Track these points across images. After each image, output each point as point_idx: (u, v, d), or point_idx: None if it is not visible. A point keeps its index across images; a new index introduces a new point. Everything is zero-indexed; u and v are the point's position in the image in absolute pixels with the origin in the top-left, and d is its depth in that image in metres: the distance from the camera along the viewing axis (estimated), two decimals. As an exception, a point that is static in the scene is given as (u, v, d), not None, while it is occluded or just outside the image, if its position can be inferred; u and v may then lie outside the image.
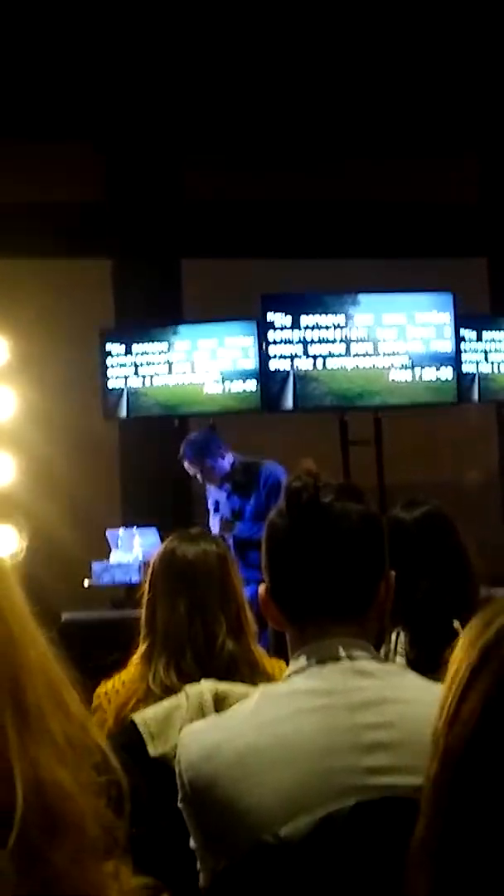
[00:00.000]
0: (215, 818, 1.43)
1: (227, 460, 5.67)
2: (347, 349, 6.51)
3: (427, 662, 2.15)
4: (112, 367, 6.66)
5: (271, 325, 6.44)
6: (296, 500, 1.55)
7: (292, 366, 6.44)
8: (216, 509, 5.73)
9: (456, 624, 2.31)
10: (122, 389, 6.65)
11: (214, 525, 5.66)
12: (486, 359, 6.82)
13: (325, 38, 6.88)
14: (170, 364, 6.63)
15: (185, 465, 5.71)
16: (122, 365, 6.66)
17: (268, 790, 1.40)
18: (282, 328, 6.45)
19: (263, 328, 6.44)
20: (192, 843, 1.48)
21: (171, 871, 1.13)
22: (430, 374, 6.59)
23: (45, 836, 0.74)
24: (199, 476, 5.74)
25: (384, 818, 1.36)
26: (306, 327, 6.47)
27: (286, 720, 1.46)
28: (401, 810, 1.37)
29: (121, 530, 6.17)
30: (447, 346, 6.62)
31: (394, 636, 2.27)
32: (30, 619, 0.82)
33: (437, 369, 6.60)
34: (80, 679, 0.87)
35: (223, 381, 6.55)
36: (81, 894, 0.75)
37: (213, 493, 5.81)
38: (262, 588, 1.59)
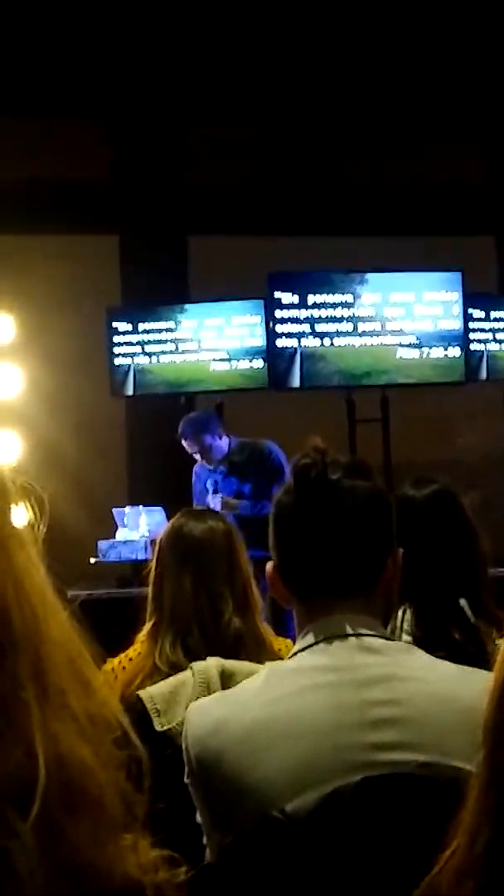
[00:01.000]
0: (222, 793, 1.43)
1: (224, 442, 5.66)
2: (355, 328, 6.49)
3: (433, 640, 2.15)
4: (119, 344, 6.66)
5: (278, 304, 6.43)
6: (304, 477, 1.54)
7: (299, 344, 6.43)
8: (215, 490, 5.68)
9: (462, 602, 2.31)
10: (129, 367, 6.64)
11: (215, 504, 5.62)
12: (494, 337, 6.80)
13: (331, 18, 6.83)
14: (176, 342, 6.62)
15: (184, 442, 5.70)
16: (128, 343, 6.66)
17: (274, 766, 1.40)
18: (289, 306, 6.44)
19: (270, 306, 6.43)
20: (198, 819, 1.48)
21: (178, 847, 1.14)
22: (437, 352, 6.58)
23: (66, 810, 0.74)
24: (196, 455, 5.72)
25: (391, 794, 1.36)
26: (313, 305, 6.46)
27: (293, 696, 1.46)
28: (407, 786, 1.37)
29: (127, 508, 6.18)
30: (455, 325, 6.61)
31: (400, 614, 2.26)
32: (51, 592, 0.82)
33: (445, 348, 6.59)
34: (100, 653, 0.87)
35: (230, 360, 6.54)
36: (100, 867, 0.75)
37: (205, 476, 5.76)
38: (269, 565, 1.59)
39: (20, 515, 0.88)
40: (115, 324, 6.67)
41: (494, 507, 6.83)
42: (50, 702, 0.76)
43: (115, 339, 6.66)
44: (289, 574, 1.56)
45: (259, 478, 5.52)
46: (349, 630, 1.51)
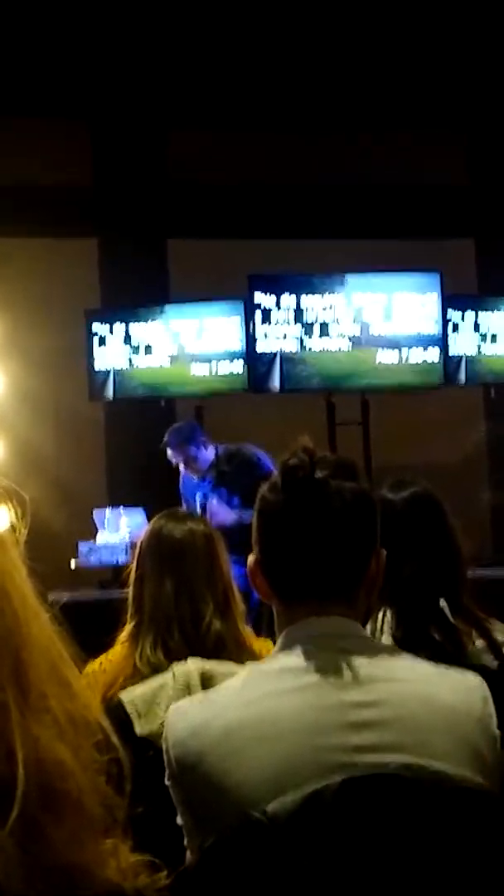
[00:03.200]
0: (202, 795, 1.43)
1: (209, 451, 5.61)
2: (335, 330, 6.50)
3: (413, 641, 2.16)
4: (98, 347, 6.64)
5: (258, 306, 6.43)
6: (291, 477, 1.54)
7: (279, 347, 6.43)
8: (203, 504, 5.61)
9: (442, 603, 2.31)
10: (108, 370, 6.63)
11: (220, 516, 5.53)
12: (473, 340, 6.82)
13: (313, 21, 6.84)
14: (156, 345, 6.61)
15: (169, 453, 5.66)
16: (108, 346, 6.64)
17: (255, 767, 1.40)
18: (268, 309, 6.44)
19: (250, 309, 6.43)
20: (179, 821, 1.48)
21: (159, 850, 1.14)
22: (416, 355, 6.60)
23: (46, 813, 0.74)
24: (181, 466, 5.67)
25: (372, 795, 1.36)
26: (293, 308, 6.46)
27: (274, 697, 1.46)
28: (388, 787, 1.38)
29: (107, 511, 6.17)
30: (434, 328, 6.63)
31: (380, 615, 2.27)
32: (33, 595, 0.81)
33: (424, 351, 6.61)
34: (81, 656, 0.86)
35: (209, 363, 6.54)
36: (80, 870, 0.75)
37: (192, 487, 5.72)
38: (251, 559, 1.59)
39: (1, 518, 0.87)
40: (94, 327, 6.66)
41: (474, 508, 6.87)
42: (30, 704, 0.76)
43: (95, 342, 6.64)
44: (271, 572, 1.56)
45: (249, 487, 5.45)
46: (331, 631, 1.51)
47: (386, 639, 2.23)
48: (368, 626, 2.22)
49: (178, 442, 5.59)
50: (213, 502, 5.54)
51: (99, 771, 0.80)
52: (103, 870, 0.76)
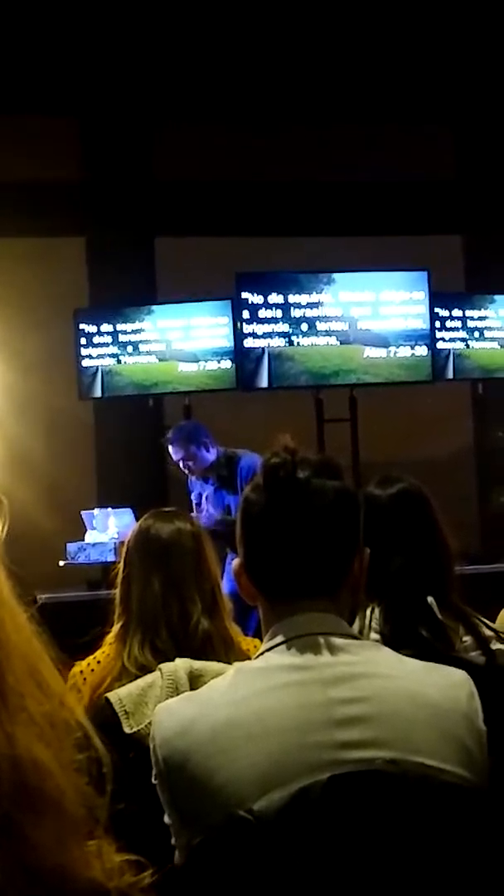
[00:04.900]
0: (190, 794, 1.43)
1: (212, 453, 5.57)
2: (322, 327, 6.51)
3: (401, 638, 2.16)
4: (86, 346, 6.64)
5: (246, 304, 6.44)
6: (273, 476, 1.54)
7: (267, 344, 6.44)
8: (199, 503, 5.61)
9: (430, 600, 2.32)
10: (97, 369, 6.63)
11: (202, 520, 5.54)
12: (461, 336, 6.85)
13: (299, 16, 6.84)
14: (144, 343, 6.61)
15: (170, 448, 5.61)
16: (96, 344, 6.64)
17: (242, 765, 1.40)
18: (256, 307, 6.45)
19: (238, 307, 6.44)
20: (166, 820, 1.48)
21: (146, 849, 1.14)
22: (404, 351, 6.61)
23: (25, 813, 0.74)
24: (181, 463, 5.63)
25: (359, 791, 1.37)
26: (281, 306, 6.47)
27: (260, 696, 1.46)
28: (375, 783, 1.38)
29: (96, 511, 6.16)
30: (422, 324, 6.64)
31: (368, 612, 2.27)
32: (10, 596, 0.81)
33: (412, 347, 6.62)
34: (61, 657, 0.86)
35: (198, 360, 6.54)
36: (64, 871, 0.75)
37: (198, 487, 5.70)
38: (235, 561, 1.59)
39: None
40: (82, 326, 6.65)
41: (462, 504, 6.88)
42: (7, 704, 0.76)
43: (83, 340, 6.64)
44: (256, 572, 1.57)
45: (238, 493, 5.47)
46: (316, 629, 1.51)
47: (374, 635, 2.23)
48: (356, 623, 2.23)
49: (179, 438, 5.57)
50: (205, 501, 5.54)
51: (81, 772, 0.79)
52: (88, 871, 0.76)
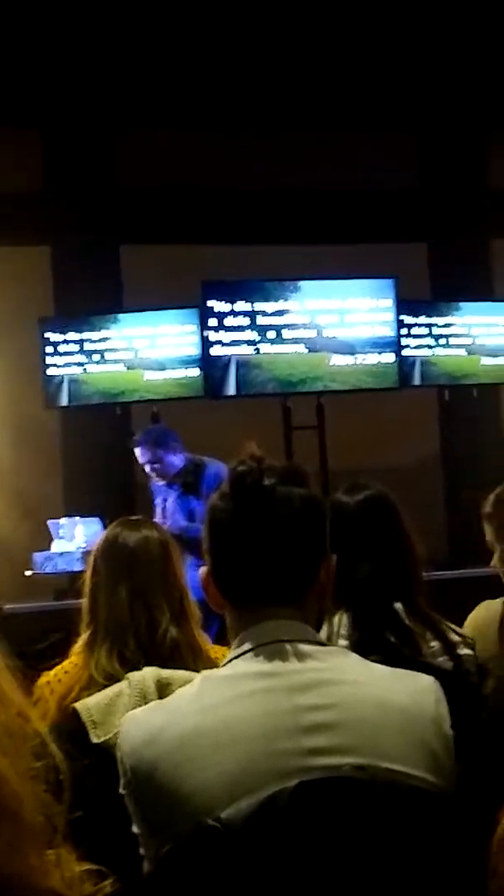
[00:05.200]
0: (158, 803, 1.42)
1: (179, 458, 5.56)
2: (289, 335, 6.53)
3: (369, 644, 2.17)
4: (52, 355, 6.61)
5: (212, 312, 6.44)
6: (239, 484, 1.55)
7: (234, 352, 6.44)
8: (163, 508, 5.60)
9: (397, 606, 2.33)
10: (63, 378, 6.60)
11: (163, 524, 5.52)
12: (427, 343, 6.88)
13: (260, 23, 6.85)
14: (110, 352, 6.59)
15: (138, 451, 5.58)
16: (62, 353, 6.61)
17: (210, 774, 1.40)
18: (223, 315, 6.45)
19: (204, 315, 6.44)
20: (135, 829, 1.47)
21: (115, 859, 1.13)
22: (371, 358, 6.64)
23: None
24: (148, 467, 5.61)
25: (326, 798, 1.37)
26: (248, 314, 6.48)
27: (228, 703, 1.46)
28: (343, 790, 1.38)
29: (63, 520, 6.13)
30: (388, 332, 6.68)
31: (336, 618, 2.28)
32: None
33: (379, 354, 6.65)
34: (22, 668, 0.86)
35: (164, 369, 6.54)
36: (22, 881, 0.74)
37: (162, 491, 5.68)
38: (202, 570, 1.59)
39: None
40: (48, 334, 6.63)
41: (429, 511, 6.91)
42: None
43: (48, 349, 6.61)
44: (223, 580, 1.57)
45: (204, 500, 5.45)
46: (283, 636, 1.51)
47: (342, 642, 2.24)
48: (324, 630, 2.24)
49: (148, 442, 5.55)
50: (169, 506, 5.53)
51: (37, 779, 0.79)
52: (47, 880, 0.75)
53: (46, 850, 0.77)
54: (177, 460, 5.53)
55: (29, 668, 0.95)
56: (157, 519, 5.47)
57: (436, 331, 6.91)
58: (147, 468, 5.59)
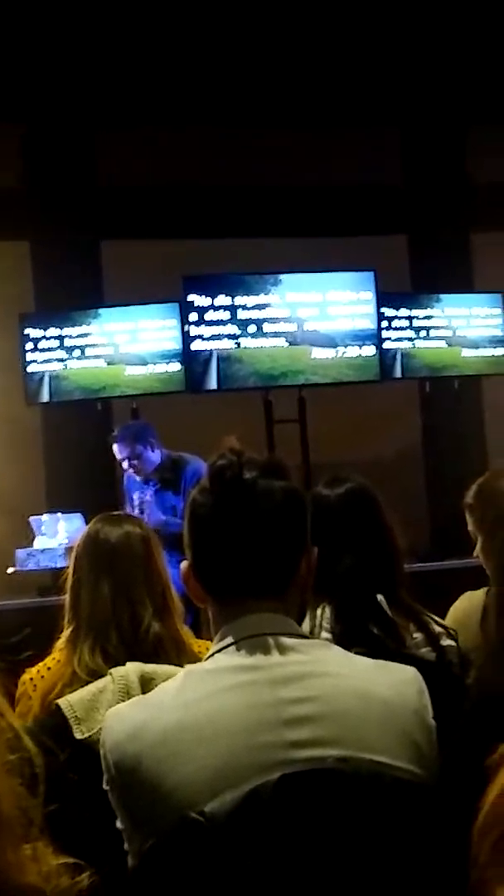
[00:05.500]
0: (141, 798, 1.42)
1: (156, 454, 5.57)
2: (270, 329, 6.53)
3: (352, 636, 2.17)
4: (32, 351, 6.58)
5: (193, 307, 6.43)
6: (219, 478, 1.54)
7: (215, 346, 6.44)
8: (140, 503, 5.60)
9: (380, 598, 2.33)
10: (44, 374, 6.58)
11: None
12: (408, 336, 6.89)
13: (240, 17, 6.84)
14: (91, 347, 6.58)
15: (116, 447, 5.58)
16: (42, 349, 6.59)
17: (193, 768, 1.40)
18: (204, 309, 6.45)
19: (185, 309, 6.43)
20: (118, 825, 1.47)
21: (100, 854, 1.13)
22: (352, 351, 6.65)
23: None
24: (125, 463, 5.61)
25: (309, 790, 1.37)
26: (228, 308, 6.47)
27: (211, 697, 1.46)
28: (326, 782, 1.38)
29: (45, 516, 6.11)
30: (369, 324, 6.68)
31: (319, 611, 2.28)
32: None
33: (360, 347, 6.66)
34: (2, 664, 0.85)
35: (146, 364, 6.52)
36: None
37: (137, 487, 5.68)
38: (184, 564, 1.59)
39: None
40: (28, 330, 6.60)
41: (411, 502, 6.93)
42: None
43: (29, 345, 6.59)
44: (204, 574, 1.57)
45: (184, 496, 5.45)
46: (265, 629, 1.51)
47: (325, 634, 2.24)
48: (307, 623, 2.24)
49: (126, 437, 5.55)
50: (148, 501, 5.52)
51: (12, 773, 0.78)
52: (23, 875, 0.75)
53: (23, 845, 0.77)
54: (154, 456, 5.54)
55: (13, 665, 0.95)
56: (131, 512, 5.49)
57: (416, 323, 6.92)
58: (125, 464, 5.59)
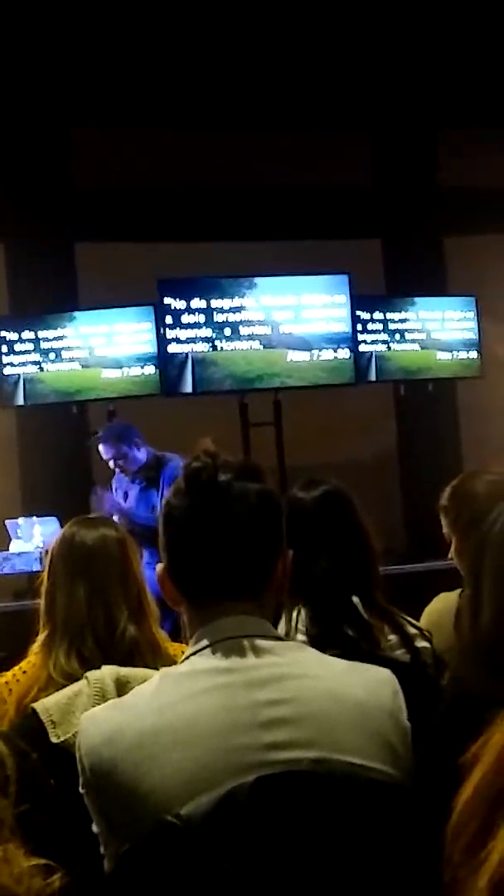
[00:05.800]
0: (117, 802, 1.42)
1: (142, 453, 5.63)
2: (245, 332, 6.53)
3: (327, 638, 2.18)
4: (7, 354, 6.57)
5: (168, 310, 6.43)
6: (194, 480, 1.55)
7: (191, 349, 6.44)
8: (125, 500, 5.66)
9: (355, 600, 2.34)
10: (19, 377, 6.56)
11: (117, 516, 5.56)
12: (382, 339, 6.92)
13: (216, 18, 6.85)
14: (66, 350, 6.56)
15: (101, 447, 5.66)
16: (17, 352, 6.57)
17: (169, 771, 1.40)
18: (179, 312, 6.44)
19: (160, 313, 6.43)
20: (94, 828, 1.47)
21: (76, 858, 1.13)
22: (327, 354, 6.66)
23: None
24: (112, 462, 5.68)
25: (285, 792, 1.37)
26: (203, 311, 6.47)
27: (186, 700, 1.46)
28: (301, 783, 1.39)
29: (20, 520, 6.09)
30: (344, 327, 6.70)
31: (294, 613, 2.29)
32: None
33: (335, 350, 6.67)
34: None
35: (121, 367, 6.52)
36: None
37: (124, 484, 5.73)
38: (159, 566, 1.59)
39: None
40: (3, 333, 6.58)
41: (386, 505, 6.95)
42: None
43: (4, 348, 6.57)
44: (179, 576, 1.57)
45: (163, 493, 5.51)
46: (241, 632, 1.52)
47: (300, 636, 2.25)
48: (282, 625, 2.25)
49: (111, 437, 5.63)
50: (131, 499, 5.59)
51: None
52: None
53: None
54: (140, 455, 5.61)
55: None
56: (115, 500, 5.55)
57: (391, 326, 6.95)
58: (111, 464, 5.67)
